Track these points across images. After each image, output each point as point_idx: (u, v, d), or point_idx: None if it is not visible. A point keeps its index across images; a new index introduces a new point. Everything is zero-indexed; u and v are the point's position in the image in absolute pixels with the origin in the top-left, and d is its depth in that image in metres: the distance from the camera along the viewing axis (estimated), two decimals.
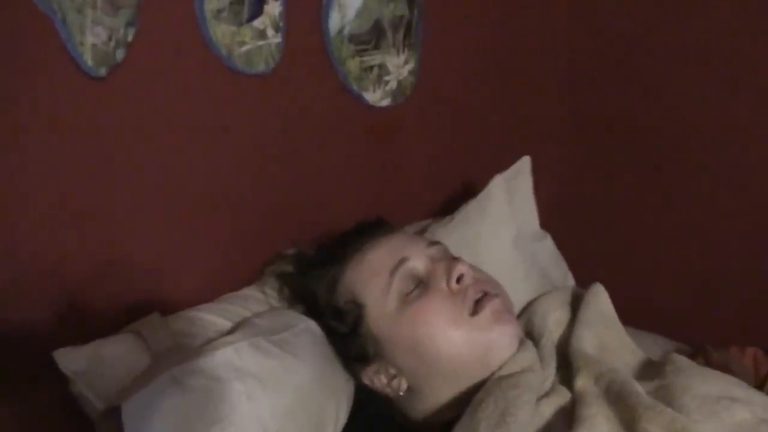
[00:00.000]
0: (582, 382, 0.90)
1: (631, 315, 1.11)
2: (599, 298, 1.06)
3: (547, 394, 0.91)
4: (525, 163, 1.30)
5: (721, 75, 1.37)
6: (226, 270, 1.12)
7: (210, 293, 1.08)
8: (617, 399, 0.85)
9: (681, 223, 1.47)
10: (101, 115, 0.94)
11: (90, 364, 0.89)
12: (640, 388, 0.86)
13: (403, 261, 0.96)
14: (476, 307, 0.93)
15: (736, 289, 1.41)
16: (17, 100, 0.87)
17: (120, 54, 0.92)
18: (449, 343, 0.91)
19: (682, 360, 0.93)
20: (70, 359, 0.88)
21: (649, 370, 0.95)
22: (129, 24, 0.92)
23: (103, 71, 0.91)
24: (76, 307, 0.96)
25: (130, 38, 0.93)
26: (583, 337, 0.99)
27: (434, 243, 1.03)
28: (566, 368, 0.96)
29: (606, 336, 1.01)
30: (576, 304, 1.06)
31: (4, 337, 0.91)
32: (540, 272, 1.22)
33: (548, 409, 0.88)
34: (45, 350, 0.88)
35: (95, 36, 0.89)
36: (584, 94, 1.56)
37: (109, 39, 0.90)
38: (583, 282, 1.14)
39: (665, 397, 0.85)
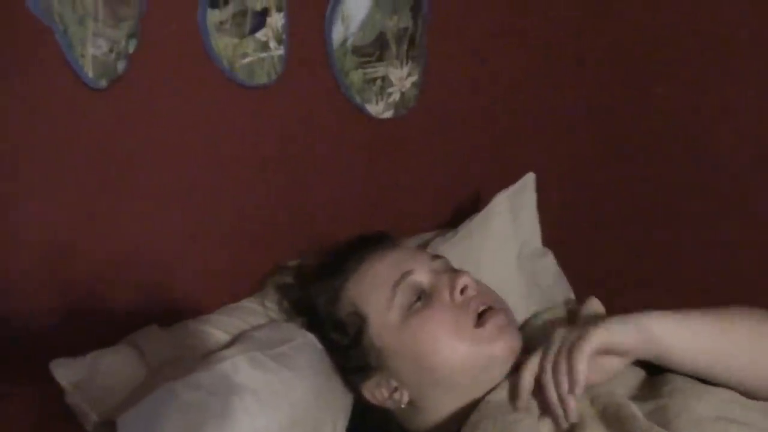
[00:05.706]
0: (578, 403, 0.89)
1: None
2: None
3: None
4: (530, 180, 1.29)
5: (739, 88, 1.32)
6: (226, 281, 1.11)
7: (209, 305, 1.08)
8: (614, 422, 0.84)
9: (688, 243, 1.42)
10: (102, 126, 0.94)
11: (86, 376, 0.89)
12: (637, 411, 0.84)
13: (407, 274, 0.96)
14: (480, 319, 0.92)
15: None
16: (18, 110, 0.87)
17: (121, 66, 0.92)
18: (453, 354, 0.91)
19: (677, 379, 0.92)
20: (66, 370, 0.88)
21: (647, 389, 0.93)
22: (130, 36, 0.92)
23: (103, 83, 0.91)
24: (73, 316, 0.96)
25: (131, 50, 0.93)
26: None
27: (437, 257, 1.02)
28: None
29: None
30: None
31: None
32: (541, 290, 1.22)
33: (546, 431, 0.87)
34: (43, 357, 0.88)
35: (96, 47, 0.89)
36: (592, 107, 1.52)
37: (110, 50, 0.90)
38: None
39: (661, 419, 0.83)
